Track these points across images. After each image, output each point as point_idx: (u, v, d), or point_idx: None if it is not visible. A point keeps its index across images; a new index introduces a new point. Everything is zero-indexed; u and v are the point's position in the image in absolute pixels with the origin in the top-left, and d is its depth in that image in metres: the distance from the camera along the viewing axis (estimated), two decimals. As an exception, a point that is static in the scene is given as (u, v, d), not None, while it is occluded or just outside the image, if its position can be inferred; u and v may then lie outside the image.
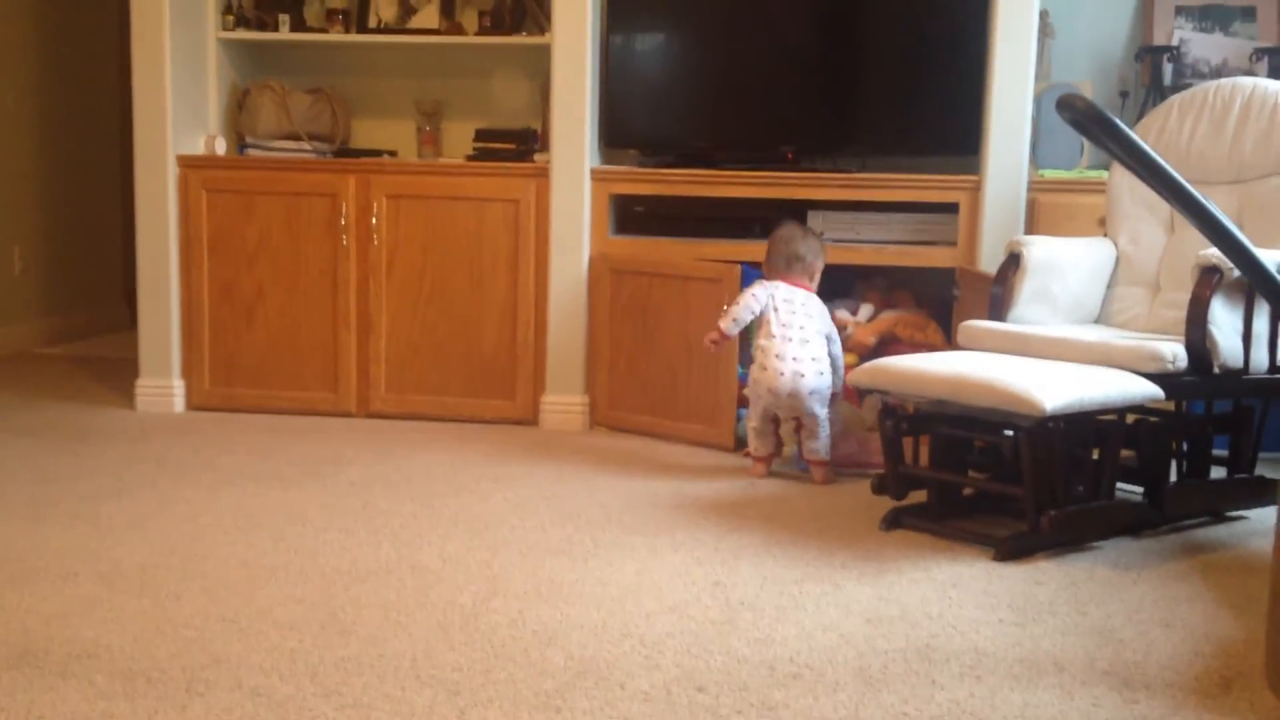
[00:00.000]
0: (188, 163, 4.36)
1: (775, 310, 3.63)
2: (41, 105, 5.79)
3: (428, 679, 2.14)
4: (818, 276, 3.76)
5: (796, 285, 3.68)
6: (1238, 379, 3.11)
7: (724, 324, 3.66)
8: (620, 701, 2.07)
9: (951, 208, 4.07)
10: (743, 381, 3.97)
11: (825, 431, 3.59)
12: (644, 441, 3.84)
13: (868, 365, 3.24)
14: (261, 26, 4.52)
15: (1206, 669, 2.26)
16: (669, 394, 4.10)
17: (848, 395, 3.79)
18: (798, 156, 4.24)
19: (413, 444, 3.99)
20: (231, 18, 4.49)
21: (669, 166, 4.28)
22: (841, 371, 3.68)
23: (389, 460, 3.76)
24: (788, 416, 3.63)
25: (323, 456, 3.79)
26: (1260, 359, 3.12)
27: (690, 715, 2.02)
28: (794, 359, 3.56)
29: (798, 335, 3.59)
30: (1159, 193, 2.91)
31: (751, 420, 3.68)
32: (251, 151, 4.45)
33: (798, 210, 4.13)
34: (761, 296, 3.65)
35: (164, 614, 2.43)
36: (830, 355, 3.65)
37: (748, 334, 3.88)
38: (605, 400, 4.26)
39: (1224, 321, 3.06)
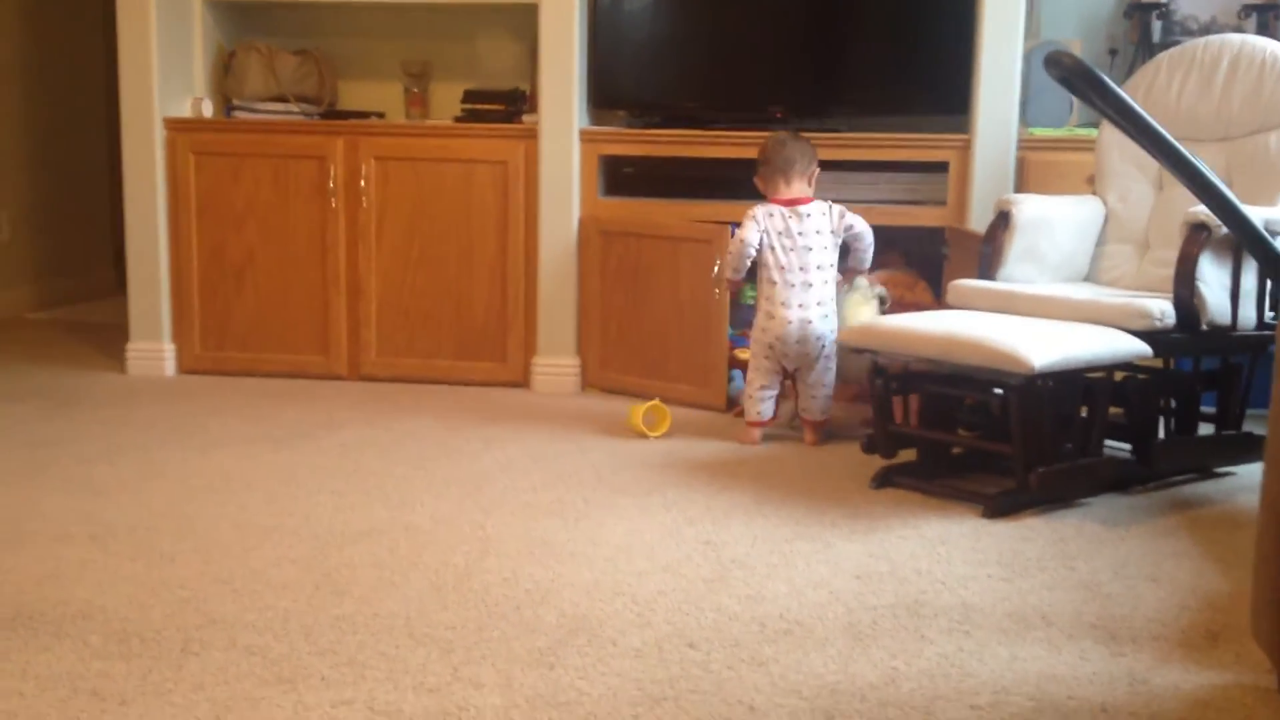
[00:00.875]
0: (175, 125, 4.34)
1: (773, 248, 3.52)
2: (26, 69, 5.74)
3: (421, 637, 2.15)
4: (814, 180, 3.64)
5: (796, 201, 3.55)
6: (1225, 336, 3.13)
7: (729, 274, 3.63)
8: (612, 658, 2.09)
9: (941, 167, 4.07)
10: (735, 343, 3.97)
11: (828, 389, 3.56)
12: (636, 402, 3.84)
13: (857, 325, 3.25)
14: (247, -13, 4.49)
15: (1193, 622, 2.28)
16: (660, 355, 4.11)
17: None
18: (787, 116, 4.22)
19: (404, 406, 4.00)
20: (217, -21, 4.45)
21: (658, 127, 4.27)
22: (868, 237, 3.60)
23: (380, 423, 3.77)
24: (795, 367, 3.55)
25: (314, 419, 3.79)
26: (1248, 316, 3.14)
27: (682, 671, 2.04)
28: (800, 305, 3.50)
29: (800, 279, 3.50)
30: (1147, 150, 2.92)
31: (755, 380, 3.57)
32: (238, 114, 4.43)
33: (787, 170, 4.12)
34: (754, 233, 3.53)
35: (158, 575, 2.44)
36: (855, 237, 3.58)
37: (739, 297, 3.89)
38: (596, 362, 4.26)
39: (1212, 278, 3.07)
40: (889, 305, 3.74)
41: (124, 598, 2.32)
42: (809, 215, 3.54)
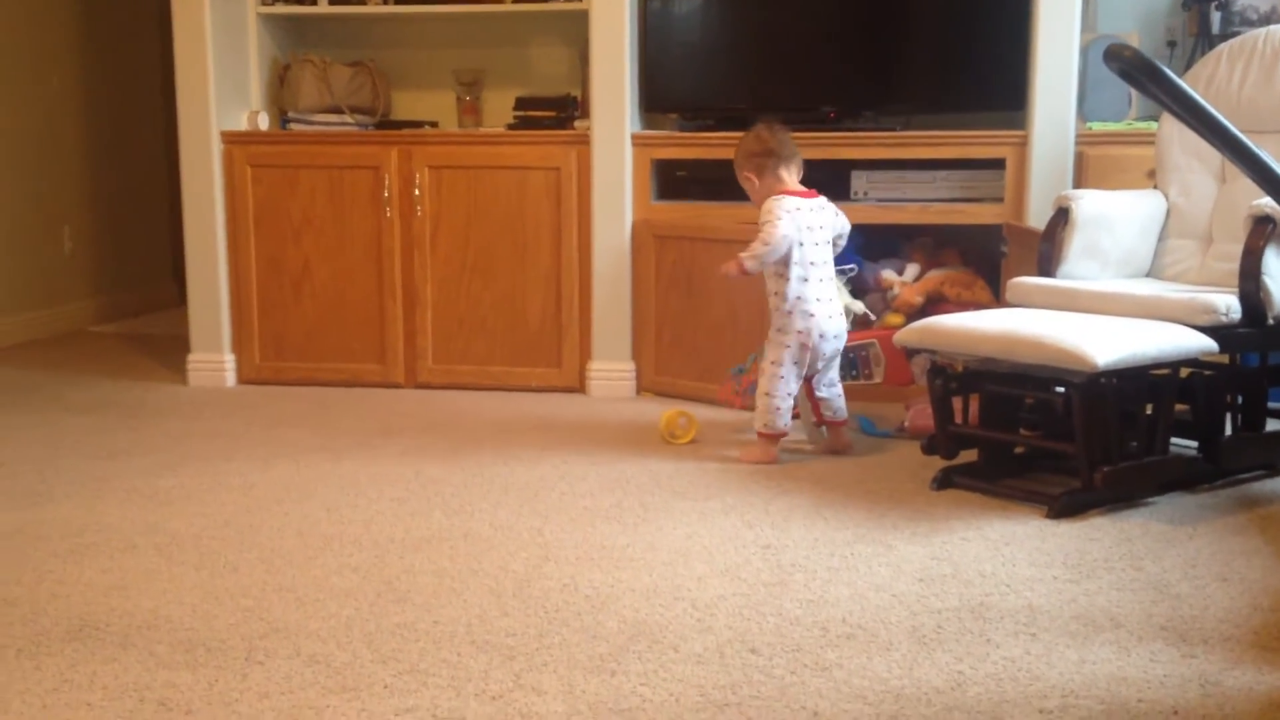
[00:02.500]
0: (231, 138, 4.39)
1: (801, 244, 3.34)
2: (86, 85, 5.84)
3: (483, 644, 2.16)
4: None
5: (805, 194, 3.41)
6: (1293, 330, 3.06)
7: (749, 263, 3.34)
8: (674, 664, 2.08)
9: (998, 163, 4.03)
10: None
11: (841, 384, 3.50)
12: (691, 406, 3.83)
13: (915, 324, 3.21)
14: (300, 0, 4.53)
15: (1265, 622, 2.24)
16: (714, 358, 4.09)
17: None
18: (840, 116, 4.20)
19: (461, 413, 4.01)
20: (271, -8, 4.50)
21: (710, 130, 4.26)
22: (846, 236, 3.49)
23: (438, 430, 3.78)
24: (823, 367, 3.42)
25: (372, 427, 3.82)
26: (1316, 310, 3.07)
27: (744, 676, 2.03)
28: (830, 299, 3.40)
29: (827, 273, 3.41)
30: (1210, 142, 2.86)
31: (782, 387, 3.36)
32: (294, 125, 4.47)
33: (841, 170, 4.09)
34: (791, 230, 3.32)
35: (221, 584, 2.46)
36: (844, 233, 3.48)
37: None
38: (651, 366, 4.26)
39: (1278, 272, 3.01)
40: (861, 314, 3.70)
41: (189, 607, 2.34)
42: (825, 208, 3.43)
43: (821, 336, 3.37)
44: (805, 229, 3.36)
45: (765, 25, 4.30)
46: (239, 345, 4.47)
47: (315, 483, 3.19)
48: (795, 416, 3.51)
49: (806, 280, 3.37)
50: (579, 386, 4.32)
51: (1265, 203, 2.95)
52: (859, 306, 3.70)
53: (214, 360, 4.47)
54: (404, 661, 2.09)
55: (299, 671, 2.05)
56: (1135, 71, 2.71)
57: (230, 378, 4.48)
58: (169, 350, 4.97)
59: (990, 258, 4.05)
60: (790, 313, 3.37)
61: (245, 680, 2.02)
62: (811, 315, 3.36)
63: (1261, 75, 3.43)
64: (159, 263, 6.44)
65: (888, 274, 4.12)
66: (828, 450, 3.49)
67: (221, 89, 4.36)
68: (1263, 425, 3.24)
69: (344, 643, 2.17)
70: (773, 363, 3.40)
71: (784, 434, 3.40)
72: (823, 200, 3.44)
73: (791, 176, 3.44)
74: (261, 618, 2.29)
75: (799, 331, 3.36)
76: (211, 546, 2.69)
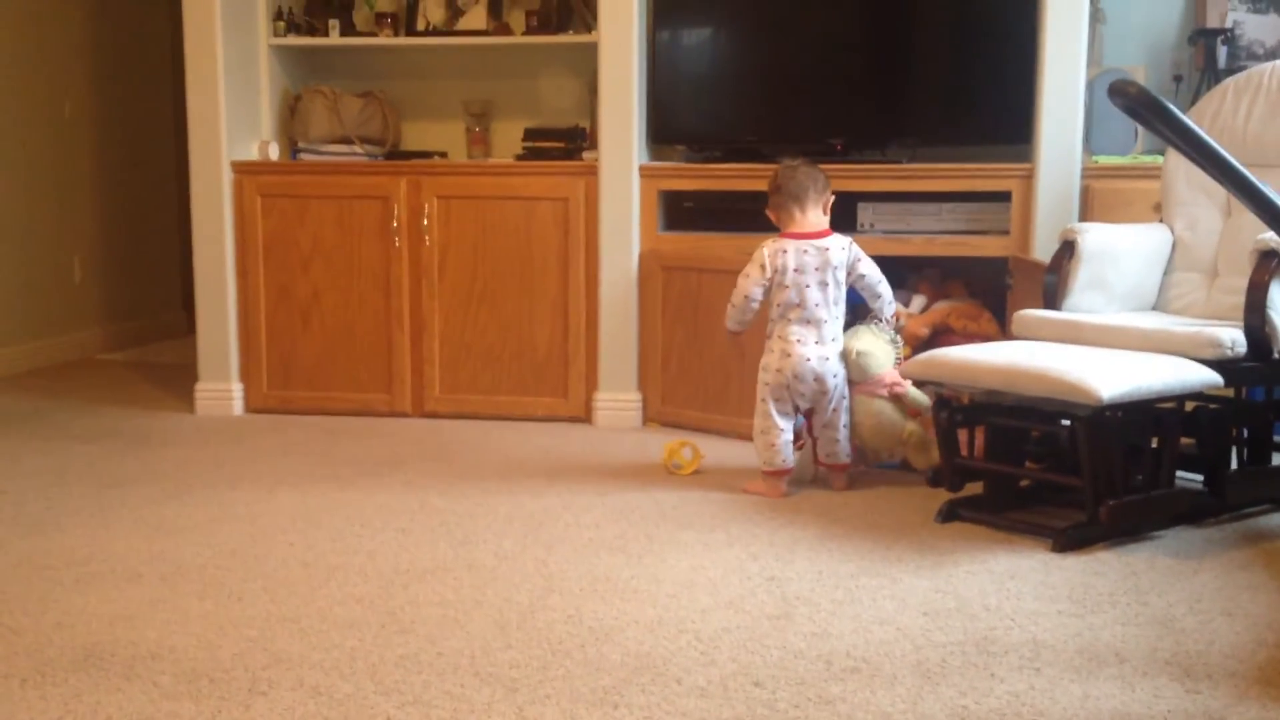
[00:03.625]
0: (242, 168, 4.41)
1: (785, 285, 3.36)
2: (97, 114, 5.88)
3: (486, 676, 2.15)
4: (829, 209, 3.46)
5: (809, 235, 3.38)
6: (1299, 365, 3.06)
7: (730, 325, 3.45)
8: (677, 697, 2.07)
9: (1004, 196, 4.04)
10: None
11: (848, 428, 3.42)
12: (697, 437, 3.84)
13: (921, 357, 3.22)
14: (312, 32, 4.57)
15: (1270, 658, 2.23)
16: (721, 390, 4.10)
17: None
18: (847, 148, 4.22)
19: (467, 443, 4.02)
20: (282, 24, 4.54)
21: (717, 161, 4.28)
22: (886, 295, 3.43)
23: (444, 460, 3.79)
24: (808, 406, 3.39)
25: (379, 457, 3.82)
26: (1322, 344, 3.07)
27: (748, 710, 2.02)
28: (816, 342, 3.35)
29: (815, 315, 3.35)
30: (1214, 177, 2.87)
31: (772, 426, 3.36)
32: (304, 156, 4.50)
33: (848, 202, 4.10)
34: (757, 286, 3.38)
35: (226, 614, 2.46)
36: (865, 286, 3.41)
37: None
38: (658, 397, 4.27)
39: (1284, 306, 3.02)
40: (901, 351, 3.57)
41: (193, 638, 2.34)
42: (827, 249, 3.38)
43: (797, 377, 3.35)
44: (792, 270, 3.36)
45: (773, 58, 4.33)
46: (247, 374, 4.49)
47: (321, 512, 3.19)
48: (800, 447, 3.52)
49: (790, 321, 3.37)
50: (585, 416, 4.32)
51: (1270, 237, 2.96)
52: (892, 352, 3.54)
53: (221, 389, 4.48)
54: (407, 693, 2.09)
55: (302, 703, 2.05)
56: (1140, 107, 2.72)
57: (238, 406, 4.49)
58: (177, 379, 4.99)
59: (996, 290, 4.06)
60: (770, 350, 3.40)
61: (248, 711, 2.02)
62: (788, 355, 3.36)
63: (1267, 110, 3.44)
64: (168, 291, 6.47)
65: (894, 307, 4.12)
66: (818, 483, 3.48)
67: (232, 119, 4.39)
68: (1268, 459, 3.24)
69: (347, 674, 2.17)
70: (758, 399, 3.42)
71: (784, 470, 3.39)
72: (834, 241, 3.41)
73: (806, 215, 3.41)
74: (265, 648, 2.29)
75: (776, 370, 3.38)
76: (216, 576, 2.70)
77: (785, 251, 3.39)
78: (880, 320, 3.50)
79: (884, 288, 3.46)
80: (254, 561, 2.79)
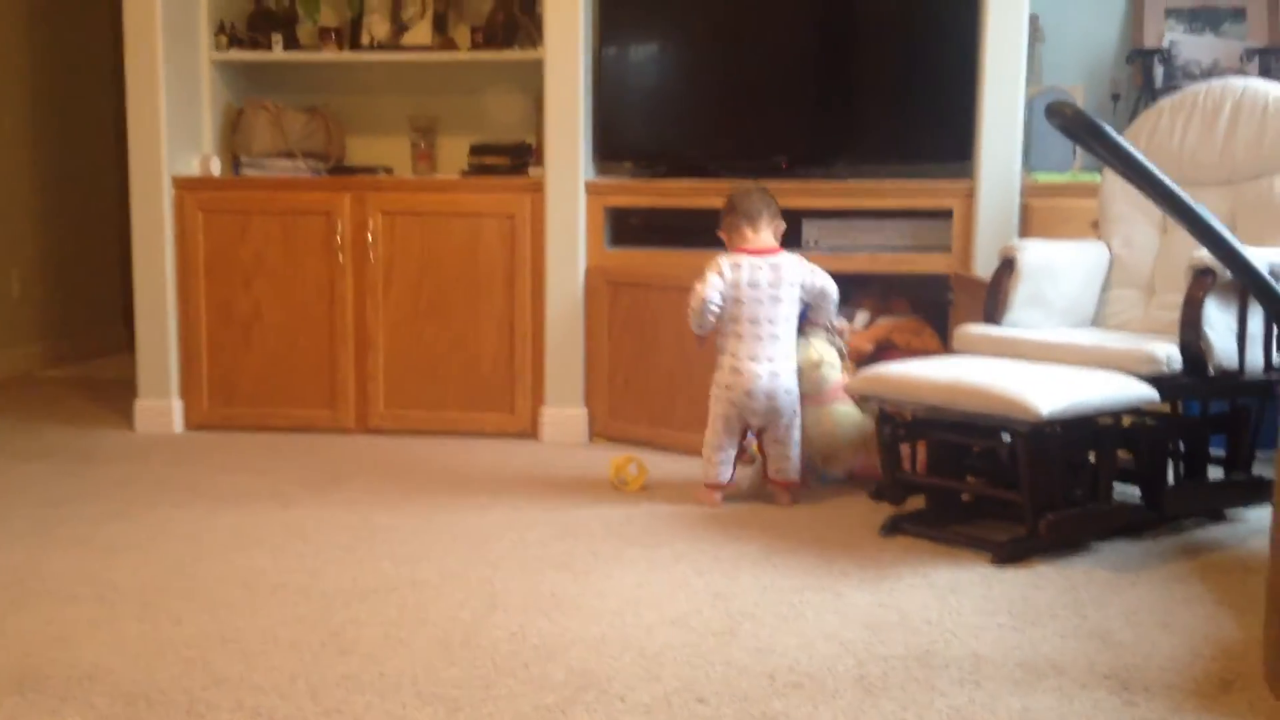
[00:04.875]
0: (183, 184, 4.37)
1: (740, 300, 3.39)
2: (37, 128, 5.80)
3: (428, 696, 2.14)
4: (779, 235, 3.51)
5: (763, 252, 3.43)
6: (1233, 379, 3.11)
7: (694, 329, 3.47)
8: (621, 714, 2.07)
9: (945, 213, 4.08)
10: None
11: (798, 446, 3.43)
12: (644, 452, 3.84)
13: (865, 373, 3.25)
14: (255, 46, 4.53)
15: (1206, 670, 2.26)
16: (668, 404, 4.10)
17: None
18: (792, 165, 4.25)
19: (412, 459, 4.00)
20: (225, 38, 4.50)
21: (664, 178, 4.30)
22: (833, 295, 3.46)
23: (388, 477, 3.76)
24: (760, 424, 3.42)
25: (322, 474, 3.80)
26: (1255, 359, 3.12)
27: (691, 727, 2.03)
28: (768, 359, 3.37)
29: (767, 331, 3.37)
30: (1149, 196, 2.92)
31: (714, 440, 3.42)
32: (247, 171, 4.47)
33: (792, 219, 4.12)
34: (714, 291, 3.38)
35: (165, 635, 2.43)
36: (820, 288, 3.43)
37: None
38: (605, 412, 4.27)
39: (1218, 322, 3.06)
40: (847, 359, 3.63)
41: (131, 659, 2.31)
42: (780, 266, 3.41)
43: (748, 394, 3.37)
44: (746, 285, 3.39)
45: (719, 75, 4.36)
46: (187, 391, 4.44)
47: (262, 531, 3.16)
48: (750, 462, 3.54)
49: (742, 337, 3.40)
50: (532, 432, 4.32)
51: (1205, 255, 3.00)
52: (838, 364, 3.59)
53: (161, 406, 4.43)
54: (348, 714, 2.07)
55: (241, 724, 2.03)
56: (1076, 128, 2.77)
57: (178, 423, 4.44)
58: (117, 396, 4.93)
59: (939, 306, 4.10)
60: (721, 367, 3.43)
61: (186, 733, 2.00)
62: (739, 372, 3.38)
63: (1203, 129, 3.50)
64: (108, 307, 6.39)
65: (839, 321, 4.15)
66: (756, 497, 3.49)
67: (174, 134, 4.35)
68: (1204, 473, 3.29)
69: (288, 694, 2.15)
70: (711, 415, 3.45)
71: (719, 485, 3.43)
72: (780, 259, 3.44)
73: (758, 234, 3.46)
74: (204, 669, 2.26)
75: (726, 386, 3.41)
76: (155, 597, 2.66)
77: (739, 265, 3.42)
78: (828, 327, 3.55)
79: (835, 295, 3.50)
80: (194, 581, 2.76)
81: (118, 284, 6.31)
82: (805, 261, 3.49)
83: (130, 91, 4.31)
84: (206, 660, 2.30)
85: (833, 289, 3.49)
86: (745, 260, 3.42)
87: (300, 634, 2.43)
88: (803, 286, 3.44)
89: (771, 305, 3.39)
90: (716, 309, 3.40)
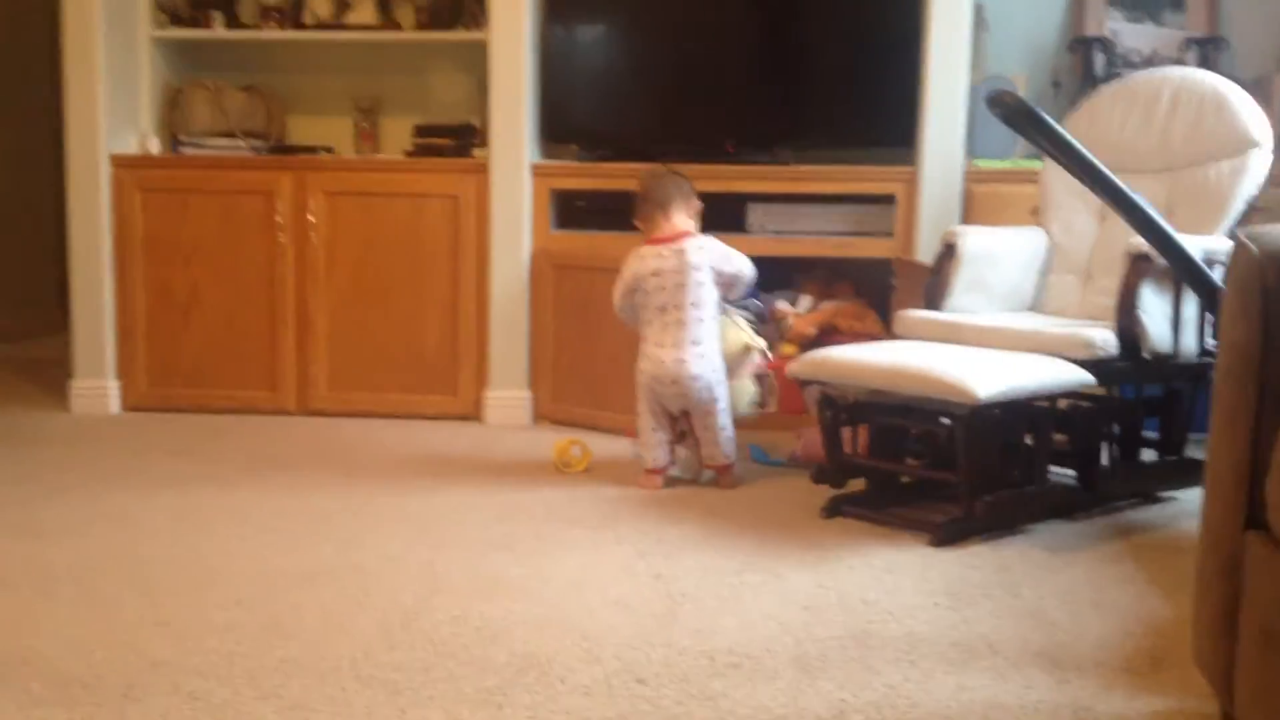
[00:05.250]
0: (121, 162, 4.31)
1: (647, 290, 3.41)
2: (-29, 105, 5.70)
3: (368, 679, 2.14)
4: (696, 214, 3.51)
5: (668, 240, 3.42)
6: (1167, 364, 3.17)
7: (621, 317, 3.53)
8: (561, 696, 2.08)
9: (888, 199, 4.11)
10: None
11: (726, 430, 3.42)
12: (588, 435, 3.84)
13: (808, 357, 3.26)
14: (195, 24, 4.47)
15: (1137, 649, 2.30)
16: (612, 387, 4.10)
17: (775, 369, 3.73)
18: (737, 149, 4.26)
19: (353, 442, 3.98)
20: (165, 16, 4.44)
21: (610, 160, 4.29)
22: (745, 277, 3.45)
23: (329, 459, 3.74)
24: (678, 409, 3.43)
25: (262, 456, 3.77)
26: (1189, 344, 3.18)
27: (631, 708, 2.04)
28: (674, 345, 3.36)
29: (673, 318, 3.37)
30: (1088, 185, 2.98)
31: (645, 424, 3.44)
32: (186, 150, 4.41)
33: (737, 203, 4.15)
34: (623, 286, 3.46)
35: (100, 619, 2.40)
36: (732, 274, 3.42)
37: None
38: (549, 394, 4.26)
39: (1153, 308, 3.11)
40: (761, 350, 3.62)
41: (66, 643, 2.28)
42: (686, 250, 3.40)
43: (657, 380, 3.38)
44: (650, 274, 3.41)
45: (666, 59, 4.36)
46: (124, 371, 4.38)
47: (201, 514, 3.14)
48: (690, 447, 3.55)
49: (651, 324, 3.42)
50: (475, 414, 4.31)
51: (1141, 241, 3.05)
52: (759, 343, 3.60)
53: (98, 386, 4.37)
54: (286, 698, 2.06)
55: (177, 709, 2.01)
56: (1016, 117, 2.81)
57: (115, 404, 4.39)
58: (52, 376, 4.85)
59: (882, 290, 4.14)
60: (640, 354, 3.45)
61: (122, 719, 1.98)
62: (648, 358, 3.42)
63: (1142, 117, 3.55)
64: (44, 287, 6.28)
65: (782, 305, 4.18)
66: (695, 478, 3.51)
67: (112, 112, 4.29)
68: (1138, 455, 3.35)
69: (225, 679, 2.13)
70: (638, 400, 3.47)
71: (656, 470, 3.44)
72: (685, 244, 3.42)
73: (667, 220, 3.46)
74: (140, 654, 2.24)
75: (641, 371, 3.44)
76: (90, 580, 2.63)
77: (644, 258, 3.45)
78: (745, 308, 3.59)
79: (749, 276, 3.48)
80: (130, 565, 2.73)
81: (54, 263, 6.20)
82: (718, 245, 3.47)
83: (68, 69, 4.25)
84: (143, 644, 2.28)
85: (747, 271, 3.47)
86: (650, 251, 3.45)
87: (239, 618, 2.42)
88: (714, 270, 3.42)
89: (676, 291, 3.38)
90: (628, 308, 3.48)
